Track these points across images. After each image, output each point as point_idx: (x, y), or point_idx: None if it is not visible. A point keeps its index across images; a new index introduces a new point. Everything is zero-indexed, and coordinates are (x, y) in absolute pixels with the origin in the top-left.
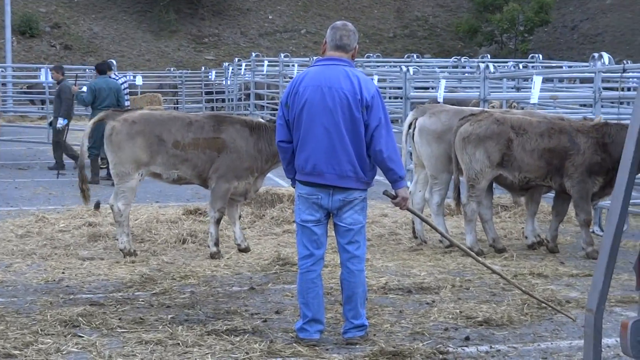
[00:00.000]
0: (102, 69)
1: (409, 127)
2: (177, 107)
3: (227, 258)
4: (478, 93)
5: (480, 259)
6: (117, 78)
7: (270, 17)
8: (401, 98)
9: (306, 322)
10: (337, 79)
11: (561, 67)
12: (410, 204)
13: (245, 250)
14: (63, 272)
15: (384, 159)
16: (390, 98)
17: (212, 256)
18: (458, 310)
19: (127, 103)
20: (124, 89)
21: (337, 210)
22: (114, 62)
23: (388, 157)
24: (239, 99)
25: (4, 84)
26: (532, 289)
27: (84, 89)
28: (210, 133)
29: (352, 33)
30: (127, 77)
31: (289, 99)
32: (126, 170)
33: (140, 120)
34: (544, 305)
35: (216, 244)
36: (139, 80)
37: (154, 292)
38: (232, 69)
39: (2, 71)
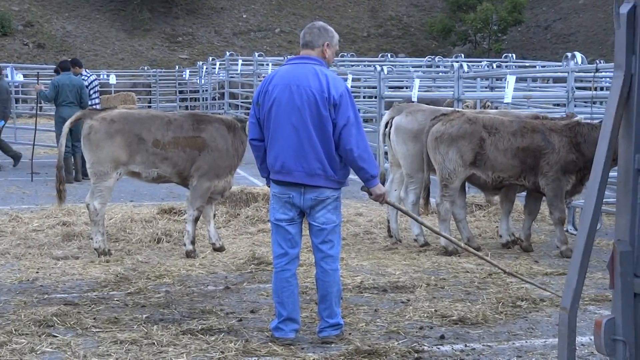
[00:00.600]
0: (65, 66)
1: (385, 126)
2: (151, 106)
3: (202, 257)
4: (452, 92)
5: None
6: (87, 76)
7: (244, 16)
8: (375, 97)
9: (281, 321)
10: (305, 78)
11: (534, 66)
12: (387, 197)
13: (220, 249)
14: (37, 272)
15: (354, 158)
16: (364, 97)
17: (188, 254)
18: (433, 309)
19: (97, 101)
20: (94, 86)
21: (310, 209)
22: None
23: (359, 156)
24: (213, 98)
25: None
26: (506, 288)
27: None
28: (190, 132)
29: (318, 30)
30: (101, 75)
31: (260, 98)
32: (104, 170)
33: (119, 118)
34: (519, 303)
35: (192, 242)
36: (112, 79)
37: (128, 291)
38: (206, 68)
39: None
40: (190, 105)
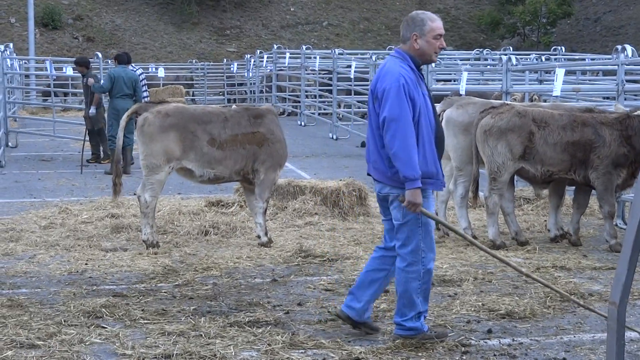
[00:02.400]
0: (122, 59)
1: None
2: (194, 100)
3: (250, 250)
4: (500, 85)
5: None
6: (134, 70)
7: (292, 9)
8: None
9: (418, 316)
10: (378, 71)
11: (584, 59)
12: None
13: (267, 244)
14: (86, 264)
15: (390, 155)
16: None
17: (264, 245)
18: (480, 303)
19: (145, 94)
20: (142, 80)
21: (383, 202)
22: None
23: (394, 155)
24: (261, 91)
25: (27, 76)
26: (554, 282)
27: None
28: (249, 127)
29: (406, 22)
30: (149, 68)
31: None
32: (157, 162)
33: (174, 113)
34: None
35: (266, 233)
36: (161, 72)
37: (176, 283)
38: (254, 61)
39: (25, 63)
40: (238, 99)
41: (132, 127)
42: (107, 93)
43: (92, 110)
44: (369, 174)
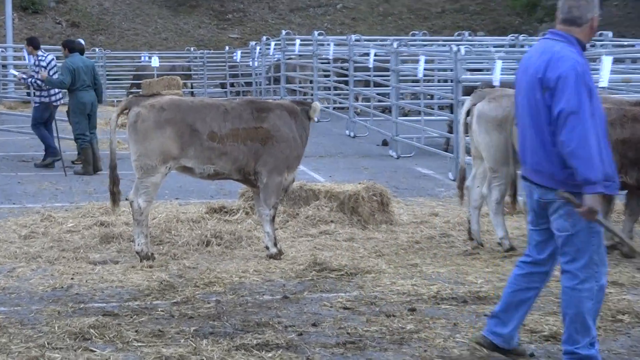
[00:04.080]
0: (75, 46)
1: (467, 115)
2: (193, 93)
3: (257, 263)
4: None
5: None
6: (44, 56)
7: None
8: (451, 81)
9: (594, 343)
10: (535, 56)
11: (633, 45)
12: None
13: (276, 255)
14: (72, 278)
15: (566, 153)
16: (439, 81)
17: (273, 257)
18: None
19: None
20: (52, 67)
21: (542, 210)
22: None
23: (571, 152)
24: (268, 83)
25: (4, 66)
26: (605, 300)
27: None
28: (251, 122)
29: (585, 2)
30: (142, 57)
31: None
32: (152, 163)
33: (169, 106)
34: (620, 317)
35: (275, 243)
36: (154, 62)
37: (174, 300)
38: (260, 49)
39: (1, 52)
40: (242, 91)
41: (94, 121)
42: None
43: None
44: (525, 178)
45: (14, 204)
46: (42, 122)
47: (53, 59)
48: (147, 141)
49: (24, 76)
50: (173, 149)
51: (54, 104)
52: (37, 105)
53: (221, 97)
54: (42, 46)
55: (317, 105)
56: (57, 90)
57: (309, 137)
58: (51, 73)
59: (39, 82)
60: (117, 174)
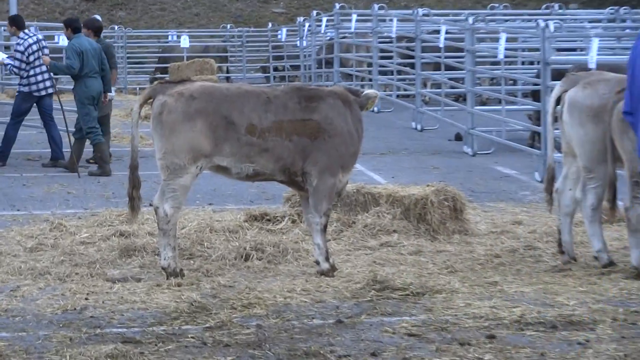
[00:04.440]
0: (77, 26)
1: (556, 103)
2: (229, 78)
3: (305, 280)
4: None
5: None
6: (23, 38)
7: None
8: (538, 63)
9: None
10: None
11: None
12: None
13: (328, 272)
14: (86, 299)
15: None
16: (523, 63)
17: (324, 274)
18: (622, 354)
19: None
20: (34, 52)
21: None
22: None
23: None
24: (318, 66)
25: (6, 47)
26: None
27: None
28: (298, 113)
29: None
30: (169, 37)
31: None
32: (180, 162)
33: (201, 94)
34: None
35: (327, 258)
36: (184, 42)
37: (207, 325)
38: (309, 26)
39: (4, 30)
40: (288, 76)
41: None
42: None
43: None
44: None
45: (18, 210)
46: (21, 115)
47: (39, 41)
48: (174, 136)
49: (6, 60)
50: (205, 145)
51: (35, 94)
52: (17, 94)
53: (263, 84)
54: (52, 24)
55: (373, 94)
56: (41, 77)
57: (365, 130)
58: (32, 59)
59: (15, 68)
60: (139, 176)
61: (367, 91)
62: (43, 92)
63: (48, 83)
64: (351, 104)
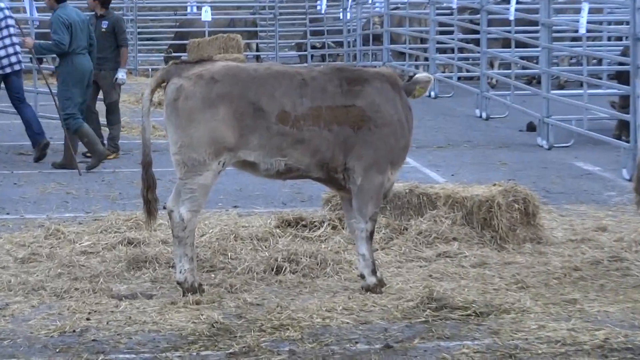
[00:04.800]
0: None
1: None
2: (259, 57)
3: (348, 298)
4: None
5: None
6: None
7: None
8: (627, 39)
9: None
10: None
11: None
12: None
13: (375, 287)
14: (88, 319)
15: None
16: (609, 39)
17: (372, 290)
18: None
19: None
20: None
21: None
22: None
23: None
24: (365, 43)
25: None
26: None
27: None
28: (339, 98)
29: None
30: (189, 8)
31: None
32: (199, 157)
33: (224, 77)
34: None
35: (374, 270)
36: (206, 15)
37: (231, 351)
38: None
39: None
40: (329, 55)
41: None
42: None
43: (122, 74)
44: None
45: (8, 214)
46: None
47: (1, 10)
48: (192, 126)
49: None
50: (229, 137)
51: None
52: None
53: (298, 64)
54: None
55: (425, 77)
56: (4, 52)
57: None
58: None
59: None
60: (153, 174)
61: (417, 75)
62: (8, 70)
63: (14, 59)
64: (401, 89)
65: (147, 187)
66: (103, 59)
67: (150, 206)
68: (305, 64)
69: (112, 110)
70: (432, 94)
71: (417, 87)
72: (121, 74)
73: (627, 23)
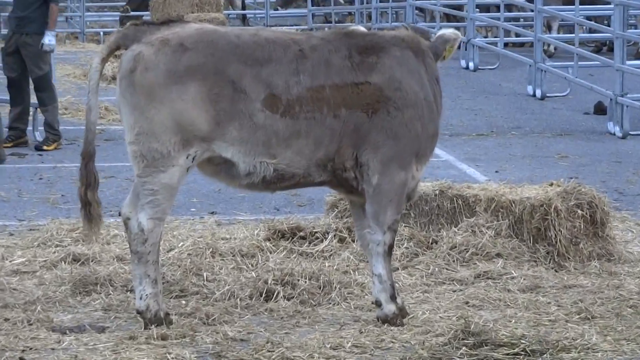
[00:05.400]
0: None
1: None
2: (245, 18)
3: (359, 330)
4: None
5: None
6: None
7: None
8: None
9: None
10: None
11: None
12: None
13: (393, 318)
14: (22, 358)
15: None
16: None
17: (390, 321)
18: None
19: None
20: None
21: None
22: None
23: None
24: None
25: None
26: None
27: None
28: (348, 74)
29: None
30: None
31: None
32: (162, 148)
33: (196, 44)
34: None
35: (393, 297)
36: None
37: None
38: None
39: None
40: (335, 14)
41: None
42: None
43: (50, 38)
44: None
45: None
46: None
47: None
48: (153, 106)
49: None
50: (200, 123)
51: None
52: None
53: (295, 26)
54: None
55: (452, 35)
56: None
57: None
58: None
59: None
60: (95, 169)
61: (442, 31)
62: None
63: None
64: (425, 55)
65: (87, 185)
66: (25, 19)
67: (90, 210)
68: (305, 27)
69: (43, 87)
70: (471, 64)
71: (447, 46)
72: (48, 39)
73: None
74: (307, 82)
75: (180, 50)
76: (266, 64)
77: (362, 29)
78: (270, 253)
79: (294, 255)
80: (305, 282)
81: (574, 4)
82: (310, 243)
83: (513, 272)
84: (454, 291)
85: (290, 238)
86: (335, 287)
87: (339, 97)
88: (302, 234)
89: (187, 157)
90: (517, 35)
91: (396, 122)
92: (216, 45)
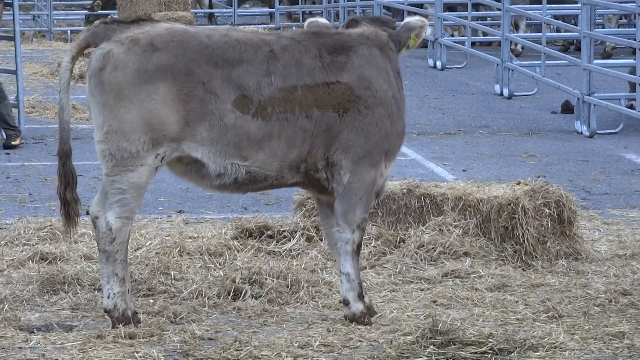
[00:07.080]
0: None
1: None
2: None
3: (327, 329)
4: None
5: None
6: None
7: None
8: None
9: None
10: None
11: None
12: None
13: (360, 317)
14: None
15: None
16: None
17: (358, 320)
18: None
19: None
20: None
21: None
22: None
23: None
24: None
25: None
26: None
27: None
28: (319, 74)
29: None
30: None
31: None
32: (131, 147)
33: (167, 44)
34: None
35: (360, 294)
36: None
37: None
38: None
39: None
40: (304, 12)
41: None
42: None
43: None
44: None
45: None
46: None
47: None
48: (122, 105)
49: None
50: (170, 123)
51: None
52: None
53: (264, 25)
54: None
55: (418, 22)
56: None
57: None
58: None
59: None
60: (73, 167)
61: (408, 19)
62: None
63: None
64: (388, 50)
65: (65, 184)
66: None
67: (70, 209)
68: (274, 27)
69: None
70: (439, 63)
71: (411, 35)
72: None
73: None
74: (279, 83)
75: (151, 50)
76: (237, 65)
77: (323, 21)
78: (238, 252)
79: (262, 254)
80: (273, 281)
81: (541, 3)
82: (277, 242)
83: (480, 270)
84: (422, 290)
85: (258, 237)
86: (303, 286)
87: (310, 97)
88: (269, 232)
89: (156, 157)
90: (485, 34)
91: (367, 121)
92: (187, 45)
